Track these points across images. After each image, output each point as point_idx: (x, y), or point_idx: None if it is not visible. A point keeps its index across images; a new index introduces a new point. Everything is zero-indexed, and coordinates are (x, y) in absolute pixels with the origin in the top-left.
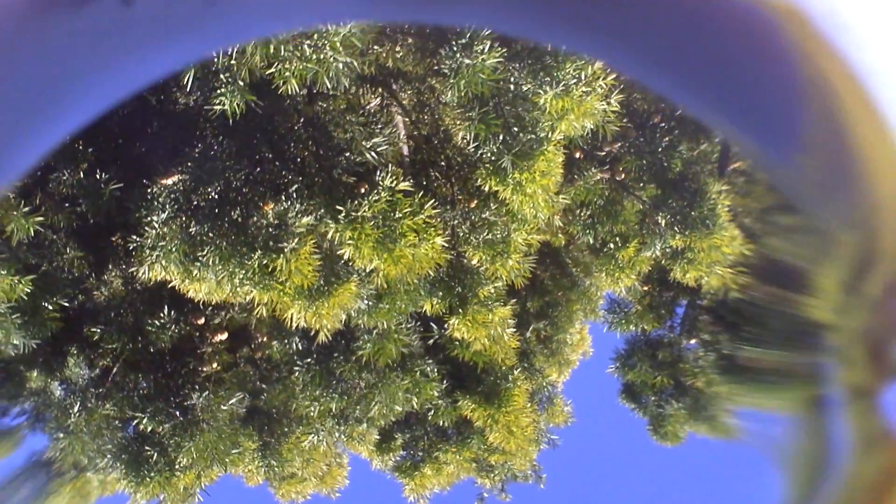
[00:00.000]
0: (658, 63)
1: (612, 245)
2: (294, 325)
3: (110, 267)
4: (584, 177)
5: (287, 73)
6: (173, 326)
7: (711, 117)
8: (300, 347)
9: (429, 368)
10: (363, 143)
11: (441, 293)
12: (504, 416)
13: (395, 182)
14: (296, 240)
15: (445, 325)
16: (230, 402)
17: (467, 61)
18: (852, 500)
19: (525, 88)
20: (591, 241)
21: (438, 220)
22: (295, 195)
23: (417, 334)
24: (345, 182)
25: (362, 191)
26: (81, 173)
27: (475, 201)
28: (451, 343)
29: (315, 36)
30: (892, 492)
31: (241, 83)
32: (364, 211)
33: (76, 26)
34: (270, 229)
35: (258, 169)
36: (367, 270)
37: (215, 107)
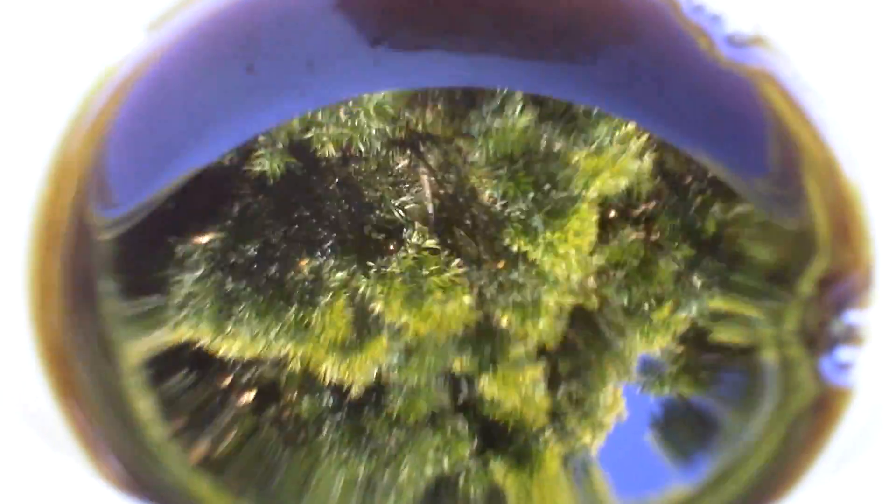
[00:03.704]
0: (651, 112)
1: (646, 306)
2: (326, 379)
3: None
4: (619, 236)
5: (324, 138)
6: (193, 390)
7: (698, 152)
8: (331, 403)
9: (459, 425)
10: (392, 201)
11: (470, 351)
12: (538, 490)
13: (421, 240)
14: (330, 294)
15: (475, 384)
16: None
17: (497, 124)
18: (785, 418)
19: (557, 147)
20: (626, 304)
21: (465, 279)
22: (330, 250)
23: (447, 392)
24: (374, 239)
25: (391, 247)
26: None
27: (503, 262)
28: (482, 402)
29: (350, 103)
30: (823, 414)
31: (281, 146)
32: (393, 267)
33: (210, 87)
34: (306, 283)
35: (295, 226)
36: (397, 327)
37: (255, 168)
